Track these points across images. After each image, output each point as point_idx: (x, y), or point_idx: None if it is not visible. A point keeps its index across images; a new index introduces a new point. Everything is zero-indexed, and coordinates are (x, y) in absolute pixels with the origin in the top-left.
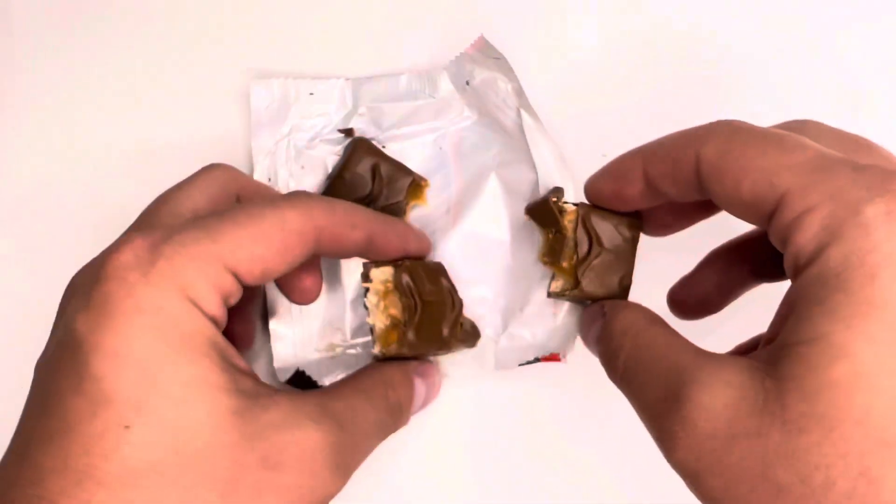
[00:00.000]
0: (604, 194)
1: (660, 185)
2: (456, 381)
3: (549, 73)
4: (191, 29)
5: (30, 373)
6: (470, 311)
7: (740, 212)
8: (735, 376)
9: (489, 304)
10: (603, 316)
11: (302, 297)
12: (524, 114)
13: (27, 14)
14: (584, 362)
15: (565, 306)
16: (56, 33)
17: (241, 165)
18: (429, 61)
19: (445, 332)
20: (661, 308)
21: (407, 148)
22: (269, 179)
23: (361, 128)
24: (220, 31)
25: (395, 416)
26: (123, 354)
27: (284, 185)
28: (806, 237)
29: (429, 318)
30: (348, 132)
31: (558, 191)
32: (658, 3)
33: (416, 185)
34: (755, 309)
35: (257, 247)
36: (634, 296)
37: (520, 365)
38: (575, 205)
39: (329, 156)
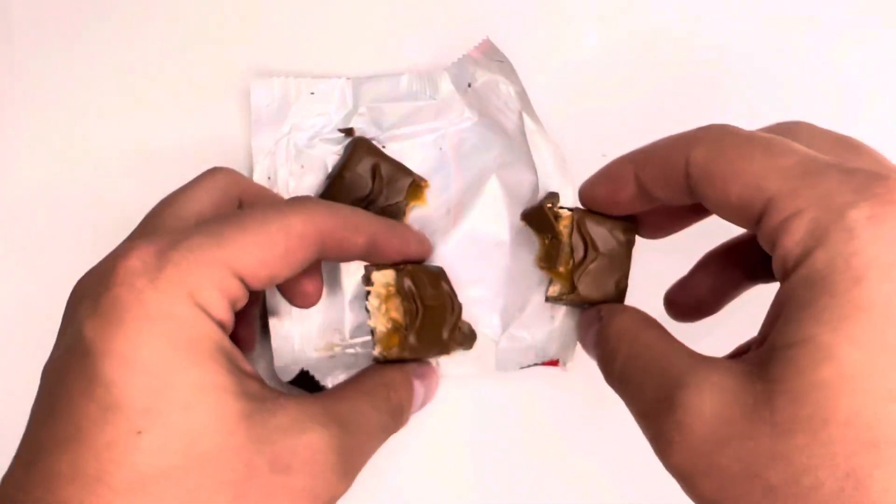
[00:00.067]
0: (598, 199)
1: (652, 190)
2: (456, 381)
3: (549, 73)
4: (191, 28)
5: (31, 374)
6: (469, 312)
7: (730, 215)
8: (726, 380)
9: (488, 304)
10: (599, 320)
11: (303, 301)
12: (526, 117)
13: (26, 10)
14: (584, 364)
15: (563, 309)
16: (55, 32)
17: (240, 164)
18: (430, 62)
19: (445, 335)
20: (658, 310)
21: (407, 148)
22: (269, 178)
23: (361, 127)
24: (220, 31)
25: (397, 417)
26: (133, 360)
27: (284, 185)
28: (793, 241)
29: (429, 322)
30: (348, 132)
31: (553, 196)
32: (658, 3)
33: (416, 185)
34: (753, 310)
35: (263, 252)
36: (632, 298)
37: (521, 368)
38: (570, 210)
39: (329, 155)
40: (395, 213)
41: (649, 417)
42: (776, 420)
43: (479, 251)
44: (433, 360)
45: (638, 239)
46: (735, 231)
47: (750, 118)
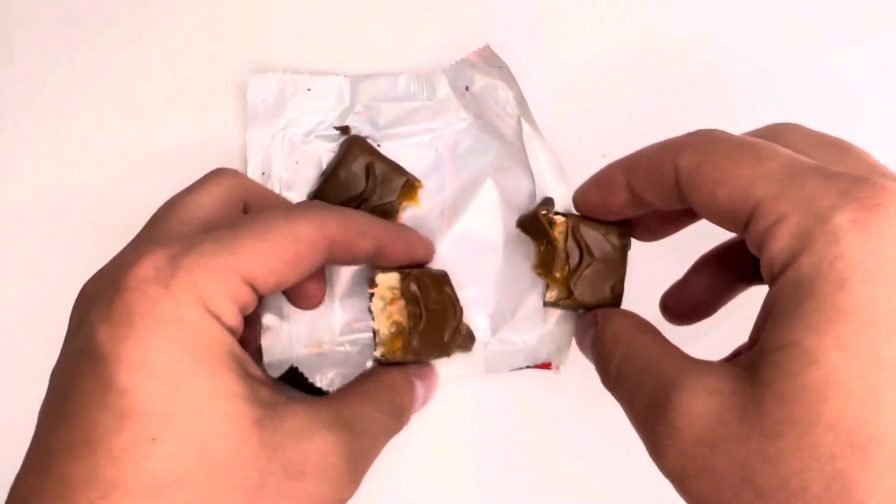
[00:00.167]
0: (591, 205)
1: (643, 196)
2: (455, 381)
3: (549, 73)
4: (190, 26)
5: (31, 374)
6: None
7: (718, 220)
8: (717, 383)
9: (478, 306)
10: (595, 324)
11: (307, 303)
12: (524, 122)
13: (24, 11)
14: (580, 366)
15: (556, 313)
16: (54, 33)
17: (237, 161)
18: (429, 63)
19: (446, 338)
20: (655, 313)
21: (402, 148)
22: (263, 174)
23: (357, 125)
24: (219, 29)
25: (400, 418)
26: (147, 367)
27: (278, 181)
28: (778, 245)
29: (432, 326)
30: (344, 129)
31: (548, 202)
32: (659, 4)
33: (410, 185)
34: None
35: (273, 259)
36: (629, 301)
37: (511, 370)
38: (564, 216)
39: (324, 152)
40: (388, 212)
41: (643, 420)
42: (765, 423)
43: (472, 253)
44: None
45: (633, 242)
46: (728, 234)
47: (749, 118)
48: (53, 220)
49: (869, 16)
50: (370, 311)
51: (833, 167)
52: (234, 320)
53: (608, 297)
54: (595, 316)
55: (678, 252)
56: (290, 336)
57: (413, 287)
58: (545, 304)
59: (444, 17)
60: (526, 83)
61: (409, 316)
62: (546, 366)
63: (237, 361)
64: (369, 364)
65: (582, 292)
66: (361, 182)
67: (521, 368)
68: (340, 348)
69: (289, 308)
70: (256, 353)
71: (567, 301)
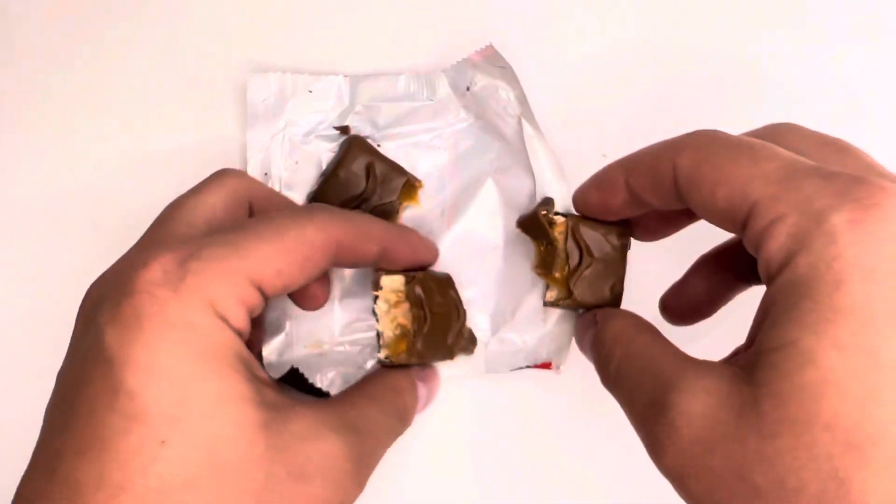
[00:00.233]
0: (590, 206)
1: (642, 196)
2: (455, 381)
3: (549, 73)
4: (190, 26)
5: (32, 374)
6: None
7: (717, 220)
8: (715, 383)
9: (478, 306)
10: (595, 324)
11: (311, 304)
12: (525, 123)
13: (24, 11)
14: (581, 366)
15: (556, 313)
16: (54, 32)
17: (238, 161)
18: (429, 63)
19: (450, 341)
20: (655, 312)
21: (402, 147)
22: (266, 174)
23: (357, 125)
24: (218, 26)
25: (403, 420)
26: (156, 370)
27: (278, 181)
28: (775, 246)
29: (436, 329)
30: (344, 129)
31: (548, 202)
32: (659, 4)
33: (410, 185)
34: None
35: (281, 262)
36: (629, 301)
37: (511, 370)
38: (564, 216)
39: (324, 152)
40: (388, 212)
41: (643, 419)
42: (762, 423)
43: (472, 254)
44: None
45: (633, 242)
46: (727, 235)
47: (749, 118)
48: (53, 221)
49: (869, 16)
50: (374, 314)
51: (831, 167)
52: (242, 323)
53: (608, 297)
54: (595, 316)
55: (678, 252)
56: (290, 337)
57: (418, 290)
58: (545, 303)
59: (444, 17)
60: (526, 83)
61: (414, 319)
62: (546, 366)
63: (244, 364)
64: (369, 364)
65: (582, 292)
66: (361, 182)
67: (521, 368)
68: (340, 348)
69: (289, 308)
70: (258, 355)
71: (567, 301)
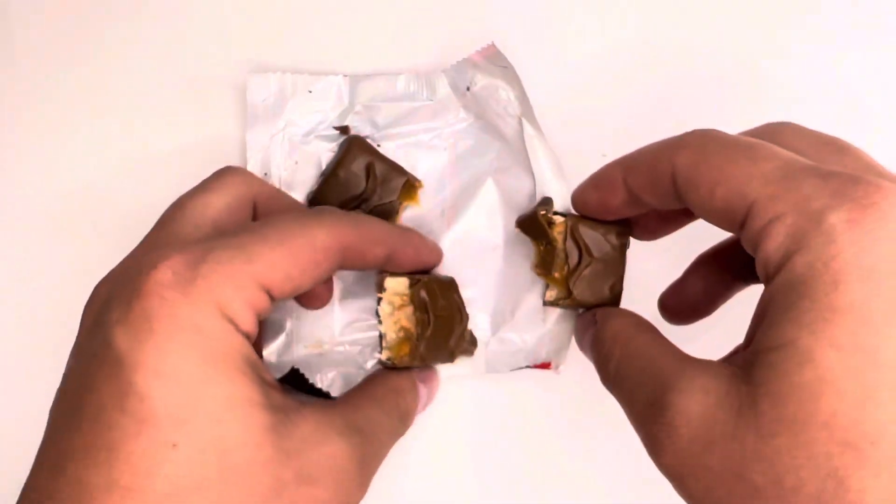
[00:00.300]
0: (589, 205)
1: (641, 196)
2: (456, 381)
3: (550, 73)
4: (190, 26)
5: (31, 373)
6: None
7: (715, 220)
8: (713, 382)
9: (478, 305)
10: (595, 324)
11: (315, 303)
12: (525, 123)
13: (24, 11)
14: (582, 364)
15: (556, 312)
16: (54, 32)
17: (235, 160)
18: (429, 63)
19: (452, 344)
20: (654, 311)
21: (402, 147)
22: (266, 174)
23: (357, 125)
24: (218, 26)
25: (405, 422)
26: (166, 373)
27: (277, 181)
28: (773, 245)
29: (439, 332)
30: (344, 129)
31: (547, 202)
32: (659, 4)
33: (410, 185)
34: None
35: (290, 266)
36: (628, 300)
37: (511, 370)
38: (563, 216)
39: (324, 152)
40: (388, 212)
41: (642, 419)
42: (760, 422)
43: (472, 254)
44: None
45: (632, 241)
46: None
47: (749, 119)
48: (53, 220)
49: (869, 16)
50: (377, 315)
51: (829, 167)
52: (250, 326)
53: (607, 297)
54: (594, 315)
55: (677, 251)
56: (290, 337)
57: (423, 294)
58: (545, 303)
59: (445, 16)
60: (526, 83)
61: (418, 322)
62: (545, 366)
63: (253, 367)
64: (369, 364)
65: (581, 292)
66: (361, 182)
67: (521, 368)
68: (340, 349)
69: (289, 309)
70: (259, 355)
71: (566, 301)
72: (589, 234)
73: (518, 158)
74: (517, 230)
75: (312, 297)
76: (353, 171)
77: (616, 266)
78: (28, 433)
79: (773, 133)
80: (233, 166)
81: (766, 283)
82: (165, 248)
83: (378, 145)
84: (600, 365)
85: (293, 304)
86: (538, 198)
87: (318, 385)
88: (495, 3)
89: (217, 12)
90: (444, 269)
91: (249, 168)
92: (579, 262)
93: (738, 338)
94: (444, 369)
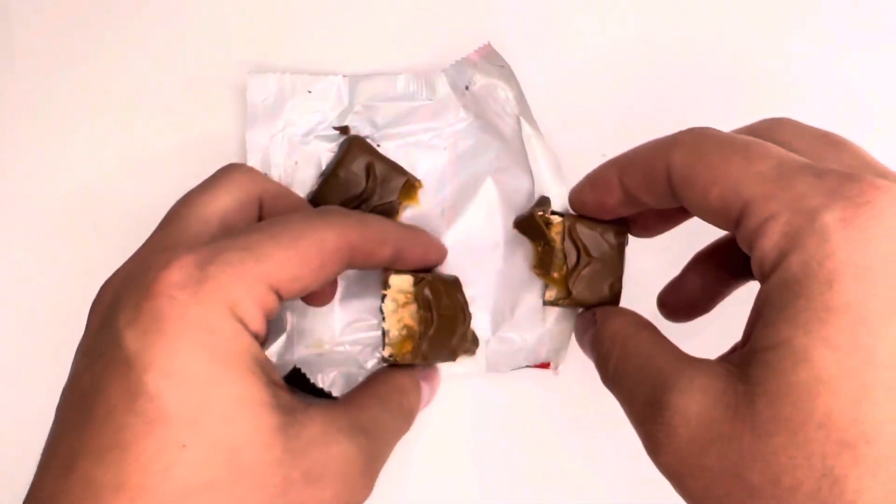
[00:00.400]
0: (586, 205)
1: (637, 195)
2: (456, 380)
3: (549, 73)
4: (189, 23)
5: (31, 373)
6: None
7: (710, 219)
8: (711, 382)
9: (479, 304)
10: (594, 323)
11: (319, 301)
12: (524, 122)
13: (23, 11)
14: (582, 364)
15: (556, 312)
16: (54, 30)
17: (235, 160)
18: (428, 63)
19: (454, 343)
20: (653, 309)
21: (402, 147)
22: (266, 174)
23: (357, 125)
24: (218, 26)
25: (408, 420)
26: (177, 373)
27: (277, 181)
28: (768, 244)
29: (442, 331)
30: (343, 129)
31: (544, 202)
32: (659, 4)
33: (410, 185)
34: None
35: (299, 267)
36: (628, 299)
37: (511, 370)
38: (561, 216)
39: (323, 152)
40: (388, 212)
41: (641, 418)
42: (756, 421)
43: (472, 253)
44: None
45: (630, 240)
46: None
47: (748, 119)
48: (53, 220)
49: (869, 16)
50: (381, 312)
51: (825, 164)
52: (259, 326)
53: (607, 296)
54: (594, 314)
55: (675, 250)
56: (291, 337)
57: (427, 292)
58: (545, 303)
59: (444, 17)
60: (526, 83)
61: (421, 321)
62: (545, 366)
63: (262, 368)
64: (370, 364)
65: (580, 292)
66: (361, 182)
67: (521, 368)
68: (341, 348)
69: (290, 309)
70: None
71: (566, 300)
72: (587, 234)
73: (517, 158)
74: (515, 231)
75: (317, 295)
76: (353, 171)
77: (615, 265)
78: (29, 433)
79: (770, 129)
80: (239, 164)
81: (762, 281)
82: (174, 248)
83: (378, 145)
84: (600, 364)
85: (293, 304)
86: (536, 197)
87: (320, 385)
88: (495, 3)
89: (217, 12)
90: (445, 269)
91: None
92: (578, 262)
93: (737, 334)
94: (444, 368)
